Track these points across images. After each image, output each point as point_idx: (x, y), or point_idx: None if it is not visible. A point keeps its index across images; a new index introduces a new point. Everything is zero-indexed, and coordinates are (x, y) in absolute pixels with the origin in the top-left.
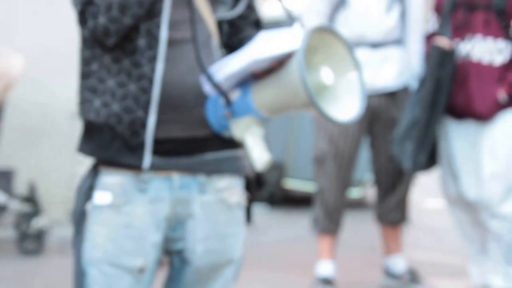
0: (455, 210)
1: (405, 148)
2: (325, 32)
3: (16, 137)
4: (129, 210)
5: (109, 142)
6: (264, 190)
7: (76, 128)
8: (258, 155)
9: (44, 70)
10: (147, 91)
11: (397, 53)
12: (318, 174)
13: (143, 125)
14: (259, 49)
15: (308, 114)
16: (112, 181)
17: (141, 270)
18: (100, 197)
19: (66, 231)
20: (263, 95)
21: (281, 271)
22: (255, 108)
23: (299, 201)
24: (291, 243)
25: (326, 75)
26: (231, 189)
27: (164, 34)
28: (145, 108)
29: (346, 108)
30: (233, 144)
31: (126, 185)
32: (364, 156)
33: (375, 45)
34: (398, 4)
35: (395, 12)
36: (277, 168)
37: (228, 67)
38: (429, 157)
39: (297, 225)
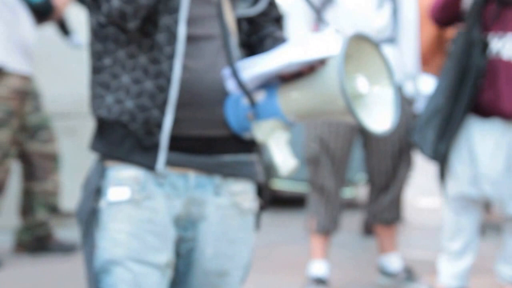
0: (456, 207)
1: (426, 136)
2: (361, 40)
3: None
4: (151, 204)
5: (121, 140)
6: None
7: (64, 132)
8: (283, 160)
9: (40, 72)
10: (164, 89)
11: (389, 51)
12: (314, 174)
13: (159, 124)
14: (294, 52)
15: None
16: (127, 175)
17: (168, 265)
18: (116, 193)
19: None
20: (292, 99)
21: (271, 272)
22: (281, 111)
23: (287, 202)
24: (281, 244)
25: (362, 84)
26: (245, 194)
27: (182, 30)
28: (161, 107)
29: (378, 118)
30: (249, 147)
31: (143, 179)
32: (356, 155)
33: None
34: (389, 2)
35: (386, 10)
36: (265, 168)
37: (257, 67)
38: (450, 147)
39: (286, 226)
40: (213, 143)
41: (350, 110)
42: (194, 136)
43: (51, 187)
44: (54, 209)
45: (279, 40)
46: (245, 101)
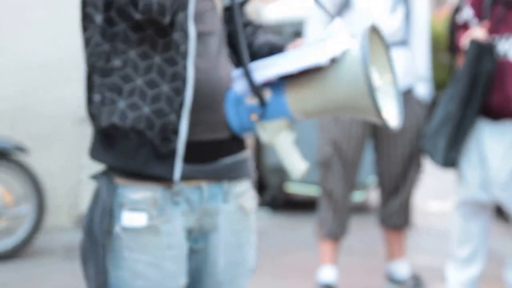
0: (466, 213)
1: (437, 144)
2: (373, 33)
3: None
4: (169, 228)
5: (135, 150)
6: (266, 194)
7: (82, 134)
8: (295, 162)
9: (52, 77)
10: (180, 92)
11: (401, 54)
12: (325, 177)
13: (175, 130)
14: (312, 54)
15: None
16: (142, 198)
17: (184, 287)
18: (131, 218)
19: (71, 237)
20: (302, 97)
21: (283, 276)
22: (289, 110)
23: (301, 205)
24: (293, 248)
25: (376, 77)
26: (246, 193)
27: (192, 27)
28: (178, 111)
29: (388, 113)
30: (243, 145)
31: (160, 201)
32: (367, 159)
33: None
34: (402, 5)
35: (399, 14)
36: (279, 172)
37: (270, 69)
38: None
39: (299, 229)
40: (219, 147)
41: (375, 106)
42: (204, 140)
43: None
44: None
45: (259, 29)
46: (249, 101)
